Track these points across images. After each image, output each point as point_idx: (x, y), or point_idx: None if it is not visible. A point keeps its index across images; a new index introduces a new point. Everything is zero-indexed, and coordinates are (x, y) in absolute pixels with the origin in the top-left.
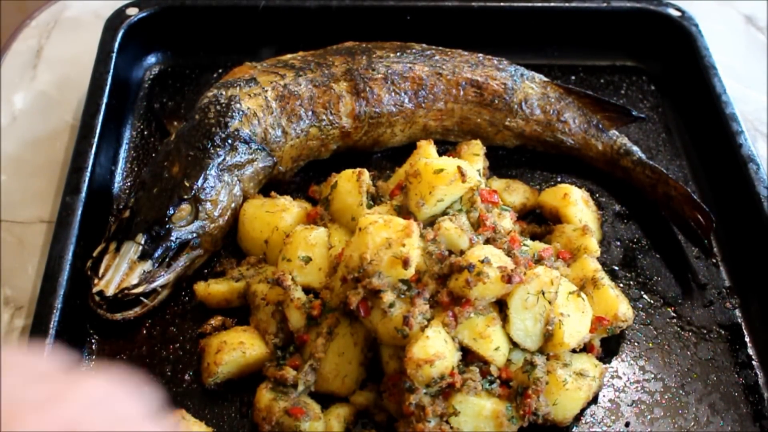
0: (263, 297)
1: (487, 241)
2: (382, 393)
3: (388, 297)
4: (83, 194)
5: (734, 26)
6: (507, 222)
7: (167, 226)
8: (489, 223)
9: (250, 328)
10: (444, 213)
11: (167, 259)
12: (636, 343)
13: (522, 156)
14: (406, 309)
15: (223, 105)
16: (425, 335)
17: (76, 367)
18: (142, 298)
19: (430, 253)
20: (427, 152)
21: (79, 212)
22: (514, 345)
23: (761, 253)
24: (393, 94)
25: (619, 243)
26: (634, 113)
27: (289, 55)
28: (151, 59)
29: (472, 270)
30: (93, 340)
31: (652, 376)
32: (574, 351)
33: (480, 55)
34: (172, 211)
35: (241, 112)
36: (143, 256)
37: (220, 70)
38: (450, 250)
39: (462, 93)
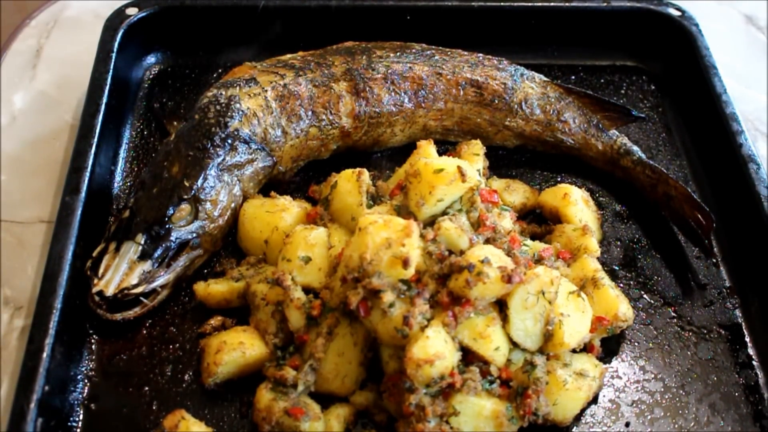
0: (263, 297)
1: (487, 241)
2: (382, 393)
3: (388, 297)
4: (83, 194)
5: (734, 26)
6: (507, 222)
7: (167, 226)
8: (489, 223)
9: (250, 328)
10: (444, 213)
11: (167, 259)
12: (636, 343)
13: (522, 156)
14: (406, 309)
15: (223, 105)
16: (425, 335)
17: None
18: (141, 298)
19: (430, 253)
20: (427, 152)
21: (79, 212)
22: (514, 345)
23: (761, 253)
24: (393, 94)
25: (619, 243)
26: (634, 113)
27: (289, 55)
28: (151, 59)
29: (472, 270)
30: (93, 340)
31: (653, 376)
32: (574, 351)
33: (480, 55)
34: (171, 211)
35: (240, 112)
36: (143, 256)
37: (220, 70)
38: (450, 250)
39: (462, 93)
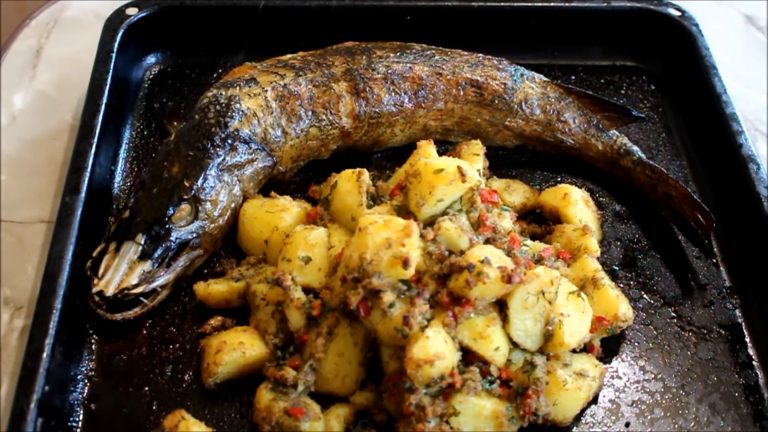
0: (263, 297)
1: (487, 241)
2: (382, 393)
3: (388, 297)
4: (83, 194)
5: (734, 26)
6: (507, 222)
7: (167, 226)
8: (489, 223)
9: (250, 328)
10: (444, 213)
11: (167, 259)
12: (636, 343)
13: (522, 156)
14: (406, 309)
15: (223, 105)
16: (425, 335)
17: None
18: (141, 298)
19: (430, 253)
20: (427, 152)
21: (79, 212)
22: (514, 345)
23: (761, 253)
24: (393, 94)
25: (619, 243)
26: (634, 113)
27: (289, 55)
28: (151, 59)
29: (472, 270)
30: (93, 340)
31: (652, 376)
32: (574, 351)
33: (480, 55)
34: (171, 211)
35: (240, 112)
36: (143, 256)
37: (220, 70)
38: (450, 250)
39: (462, 93)
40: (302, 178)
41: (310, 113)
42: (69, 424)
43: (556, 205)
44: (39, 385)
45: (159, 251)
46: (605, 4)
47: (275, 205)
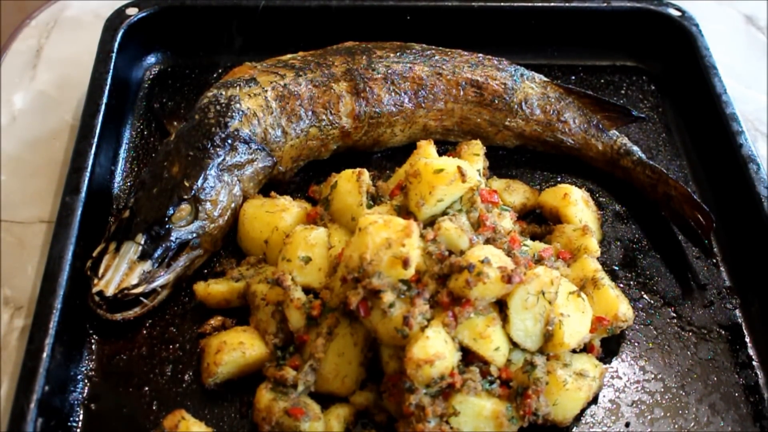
0: (263, 297)
1: (487, 241)
2: (382, 393)
3: (388, 297)
4: (83, 194)
5: (734, 26)
6: (507, 222)
7: (167, 226)
8: (489, 223)
9: (250, 328)
10: (444, 213)
11: (167, 259)
12: (636, 343)
13: (522, 156)
14: (406, 309)
15: (223, 105)
16: (425, 335)
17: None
18: (141, 298)
19: (430, 253)
20: (427, 152)
21: (79, 212)
22: (514, 345)
23: (761, 253)
24: (393, 94)
25: (619, 243)
26: (634, 113)
27: (289, 55)
28: (151, 59)
29: (472, 270)
30: (93, 340)
31: (652, 376)
32: (574, 351)
33: (480, 55)
34: (171, 211)
35: (241, 112)
36: (143, 256)
37: (220, 70)
38: (450, 250)
39: (462, 93)
40: (302, 178)
41: (310, 113)
42: (69, 424)
43: (556, 205)
44: (39, 385)
45: (159, 251)
46: (605, 4)
47: (275, 205)
